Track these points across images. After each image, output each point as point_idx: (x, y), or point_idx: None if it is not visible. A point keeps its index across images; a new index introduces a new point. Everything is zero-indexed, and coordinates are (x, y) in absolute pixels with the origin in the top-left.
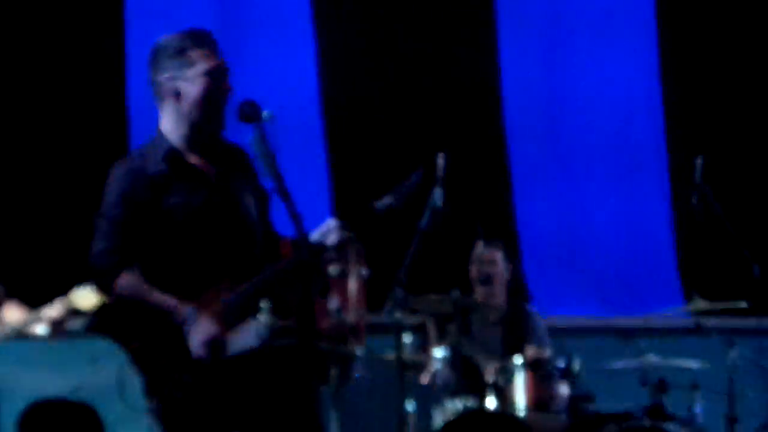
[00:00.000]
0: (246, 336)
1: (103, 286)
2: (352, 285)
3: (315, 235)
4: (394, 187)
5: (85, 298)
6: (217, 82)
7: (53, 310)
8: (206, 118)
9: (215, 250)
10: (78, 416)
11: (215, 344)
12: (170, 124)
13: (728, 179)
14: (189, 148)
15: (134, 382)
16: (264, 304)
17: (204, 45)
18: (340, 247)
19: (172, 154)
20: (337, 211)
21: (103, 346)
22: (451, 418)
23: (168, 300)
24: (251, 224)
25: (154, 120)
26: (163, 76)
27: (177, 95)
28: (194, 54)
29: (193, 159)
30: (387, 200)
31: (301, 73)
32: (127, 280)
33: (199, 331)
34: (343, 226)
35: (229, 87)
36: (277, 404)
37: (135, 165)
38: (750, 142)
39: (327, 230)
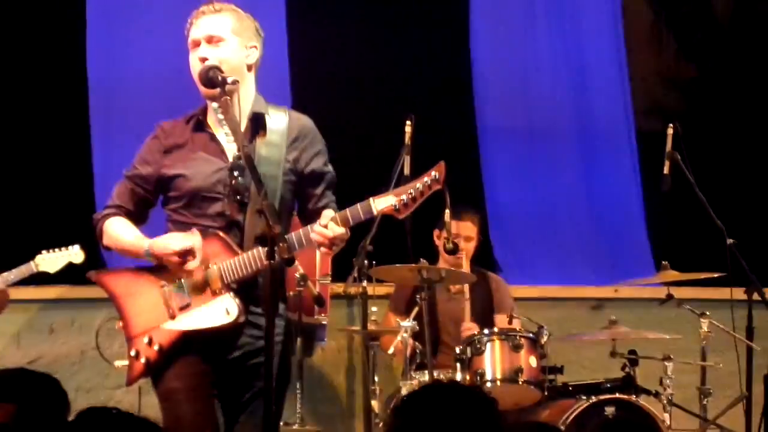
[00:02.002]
0: (216, 313)
1: (97, 237)
2: (317, 254)
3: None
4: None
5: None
6: (194, 53)
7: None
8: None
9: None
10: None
11: (174, 256)
12: None
13: (699, 148)
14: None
15: None
16: (231, 285)
17: (193, 16)
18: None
19: (194, 120)
20: None
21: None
22: (415, 390)
23: (135, 237)
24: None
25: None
26: None
27: None
28: (187, 29)
29: (217, 129)
30: (388, 200)
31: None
32: (112, 225)
33: (160, 245)
34: None
35: (200, 56)
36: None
37: (166, 127)
38: (722, 110)
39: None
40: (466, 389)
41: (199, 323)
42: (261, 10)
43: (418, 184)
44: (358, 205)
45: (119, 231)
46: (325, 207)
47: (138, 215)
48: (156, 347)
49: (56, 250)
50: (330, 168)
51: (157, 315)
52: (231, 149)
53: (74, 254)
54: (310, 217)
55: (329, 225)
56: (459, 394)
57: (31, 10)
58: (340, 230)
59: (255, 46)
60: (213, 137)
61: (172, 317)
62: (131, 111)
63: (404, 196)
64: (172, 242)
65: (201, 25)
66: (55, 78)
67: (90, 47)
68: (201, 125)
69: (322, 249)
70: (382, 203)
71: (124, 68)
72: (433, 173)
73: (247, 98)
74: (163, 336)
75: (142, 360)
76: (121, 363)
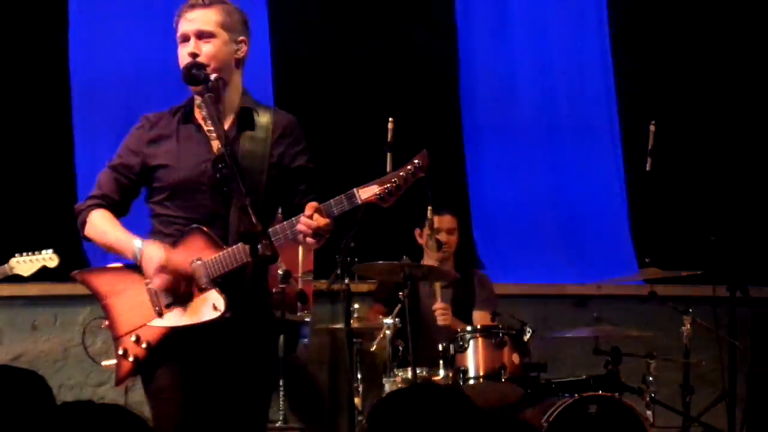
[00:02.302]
0: (204, 309)
1: (79, 227)
2: (300, 251)
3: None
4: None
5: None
6: (184, 47)
7: None
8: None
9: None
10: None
11: (165, 268)
12: None
13: (682, 145)
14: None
15: None
16: (217, 279)
17: (182, 9)
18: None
19: (181, 112)
20: None
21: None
22: (390, 393)
23: (122, 235)
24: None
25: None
26: None
27: None
28: (176, 21)
29: (201, 120)
30: (371, 189)
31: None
32: (97, 218)
33: (147, 261)
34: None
35: (190, 51)
36: (229, 372)
37: (151, 118)
38: (703, 108)
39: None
40: (443, 391)
41: (187, 319)
42: (242, 6)
43: (402, 173)
44: (343, 196)
45: (106, 225)
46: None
47: (122, 206)
48: (144, 345)
49: (30, 254)
50: (312, 165)
51: (144, 313)
52: (217, 142)
53: (48, 259)
54: (294, 213)
55: (314, 216)
56: (437, 397)
57: (13, 7)
58: (325, 221)
59: (244, 40)
60: (199, 129)
61: (160, 315)
62: (114, 109)
63: (388, 185)
64: (155, 261)
65: (191, 19)
66: (38, 77)
67: (72, 44)
68: (188, 117)
69: (308, 240)
70: (366, 192)
71: (106, 65)
72: (416, 161)
73: (235, 93)
74: (150, 334)
75: (131, 359)
76: (109, 362)
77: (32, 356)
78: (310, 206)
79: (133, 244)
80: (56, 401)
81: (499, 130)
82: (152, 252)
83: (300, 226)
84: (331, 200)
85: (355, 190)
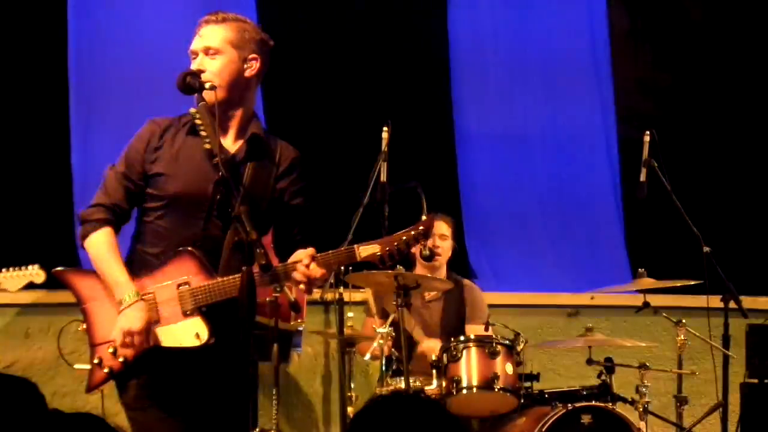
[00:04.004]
0: (185, 335)
1: (80, 233)
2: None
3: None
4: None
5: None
6: (192, 63)
7: None
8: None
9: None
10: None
11: (130, 337)
12: None
13: (677, 155)
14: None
15: None
16: (202, 308)
17: (198, 26)
18: None
19: (190, 124)
20: None
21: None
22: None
23: (116, 275)
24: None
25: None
26: None
27: None
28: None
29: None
30: (372, 248)
31: None
32: (98, 239)
33: (123, 320)
34: None
35: (195, 68)
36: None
37: (159, 123)
38: (698, 117)
39: None
40: (417, 399)
41: (168, 341)
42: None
43: (404, 237)
44: (343, 250)
45: (106, 253)
46: (301, 243)
47: (127, 214)
48: (121, 359)
49: (17, 269)
50: (308, 205)
51: None
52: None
53: (35, 274)
54: (285, 248)
55: (311, 266)
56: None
57: (12, 4)
58: (321, 271)
59: (255, 59)
60: (205, 143)
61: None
62: (112, 112)
63: (389, 248)
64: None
65: (201, 35)
66: (35, 75)
67: (71, 45)
68: (195, 128)
69: (301, 287)
70: (366, 251)
71: (105, 66)
72: (420, 228)
73: (245, 112)
74: (128, 349)
75: (105, 369)
76: (81, 366)
77: (25, 364)
78: (308, 255)
79: (123, 293)
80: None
81: (493, 138)
82: (131, 318)
83: (297, 275)
84: (330, 252)
85: (355, 246)
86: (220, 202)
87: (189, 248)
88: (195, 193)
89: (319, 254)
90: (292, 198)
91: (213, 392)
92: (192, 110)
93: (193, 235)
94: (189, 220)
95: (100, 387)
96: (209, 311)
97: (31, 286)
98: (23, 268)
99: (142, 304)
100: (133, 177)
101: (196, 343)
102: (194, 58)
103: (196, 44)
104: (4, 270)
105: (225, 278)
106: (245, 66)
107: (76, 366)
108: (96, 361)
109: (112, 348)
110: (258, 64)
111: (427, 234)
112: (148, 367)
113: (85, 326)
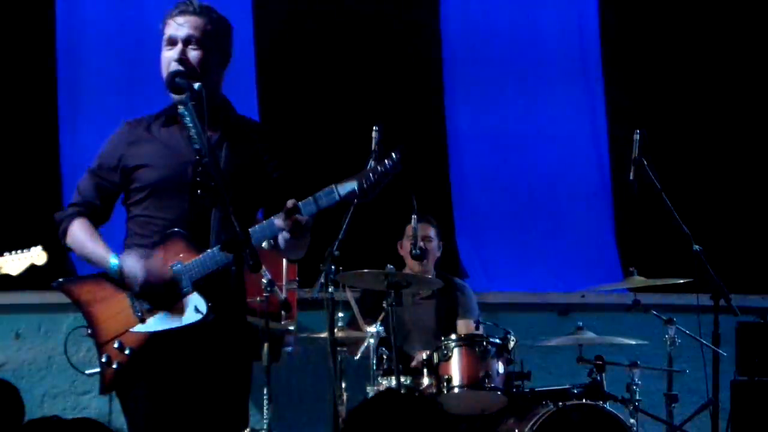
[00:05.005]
0: (186, 312)
1: (60, 235)
2: (284, 260)
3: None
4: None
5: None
6: (169, 50)
7: None
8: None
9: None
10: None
11: (147, 282)
12: None
13: (667, 154)
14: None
15: None
16: (199, 282)
17: (170, 14)
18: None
19: (164, 116)
20: None
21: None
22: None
23: (101, 251)
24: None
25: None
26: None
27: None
28: (162, 28)
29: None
30: (350, 185)
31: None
32: (74, 230)
33: (128, 272)
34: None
35: (177, 57)
36: (208, 378)
37: (132, 122)
38: (689, 116)
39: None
40: (413, 397)
41: (170, 323)
42: (228, 13)
43: (379, 167)
44: (321, 192)
45: (84, 236)
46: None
47: (103, 211)
48: (127, 351)
49: (18, 251)
50: (289, 177)
51: (126, 319)
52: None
53: (36, 256)
54: None
55: (293, 211)
56: (407, 403)
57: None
58: (303, 218)
59: (226, 51)
60: (182, 131)
61: (142, 320)
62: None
63: (365, 180)
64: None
65: (180, 23)
66: (24, 68)
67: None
68: (171, 120)
69: (286, 235)
70: (345, 188)
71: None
72: (393, 155)
73: (217, 100)
74: (133, 340)
75: (114, 365)
76: (92, 371)
77: (16, 365)
78: (289, 203)
79: (108, 261)
80: (39, 410)
81: (482, 136)
82: (132, 266)
83: (279, 222)
84: (310, 197)
85: (333, 185)
86: (201, 182)
87: (176, 229)
88: (177, 179)
89: (300, 201)
90: (274, 170)
91: (211, 388)
92: (180, 109)
93: (180, 217)
94: (173, 202)
95: (112, 385)
96: (205, 288)
97: (23, 285)
98: (24, 250)
99: (131, 257)
100: (102, 173)
101: (197, 317)
102: (171, 46)
103: (175, 31)
104: (5, 254)
105: (214, 248)
106: (221, 57)
107: (87, 371)
108: (104, 359)
109: (117, 343)
110: (229, 56)
111: (398, 161)
112: (151, 363)
113: (90, 331)
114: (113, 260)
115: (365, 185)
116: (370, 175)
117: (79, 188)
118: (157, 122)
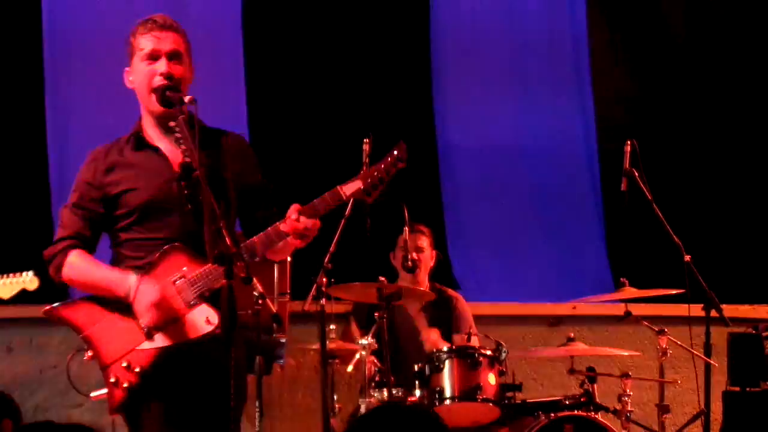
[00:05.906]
0: (197, 323)
1: (52, 271)
2: (276, 272)
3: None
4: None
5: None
6: (152, 65)
7: None
8: (153, 104)
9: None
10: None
11: (160, 306)
12: (142, 111)
13: (658, 165)
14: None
15: None
16: (205, 294)
17: (146, 27)
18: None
19: (133, 139)
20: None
21: None
22: (365, 413)
23: (111, 273)
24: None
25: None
26: (124, 70)
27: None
28: (134, 41)
29: (159, 143)
30: (355, 184)
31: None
32: (72, 261)
33: (141, 298)
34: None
35: (164, 71)
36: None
37: (100, 149)
38: (679, 127)
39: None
40: (414, 410)
41: (181, 336)
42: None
43: (382, 165)
44: (327, 194)
45: (89, 264)
46: (279, 217)
47: (93, 241)
48: (137, 370)
49: (9, 275)
50: (266, 181)
51: (131, 338)
52: (175, 160)
53: (29, 281)
54: (253, 226)
55: (300, 218)
56: (407, 416)
57: None
58: (311, 221)
59: (192, 62)
60: (156, 150)
61: (149, 337)
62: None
63: (370, 179)
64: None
65: (161, 38)
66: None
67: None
68: (140, 142)
69: (291, 240)
70: (350, 188)
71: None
72: (395, 152)
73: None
74: (141, 358)
75: (124, 385)
76: (97, 393)
77: (8, 378)
78: (293, 208)
79: (127, 280)
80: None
81: (475, 150)
82: (148, 290)
83: (284, 227)
84: (315, 200)
85: (338, 187)
86: (188, 196)
87: (175, 243)
88: (163, 198)
89: (305, 206)
90: (250, 176)
91: (220, 402)
92: (171, 124)
93: (173, 235)
94: (163, 222)
95: (122, 406)
96: (212, 299)
97: (15, 299)
98: (17, 274)
99: (148, 278)
100: (85, 204)
101: (209, 327)
102: (152, 61)
103: (157, 45)
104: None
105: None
106: (192, 72)
107: (93, 394)
108: (112, 380)
109: (125, 362)
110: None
111: (401, 156)
112: (161, 382)
113: (91, 353)
114: (132, 279)
115: (370, 183)
116: (375, 172)
117: (64, 223)
118: (128, 146)
